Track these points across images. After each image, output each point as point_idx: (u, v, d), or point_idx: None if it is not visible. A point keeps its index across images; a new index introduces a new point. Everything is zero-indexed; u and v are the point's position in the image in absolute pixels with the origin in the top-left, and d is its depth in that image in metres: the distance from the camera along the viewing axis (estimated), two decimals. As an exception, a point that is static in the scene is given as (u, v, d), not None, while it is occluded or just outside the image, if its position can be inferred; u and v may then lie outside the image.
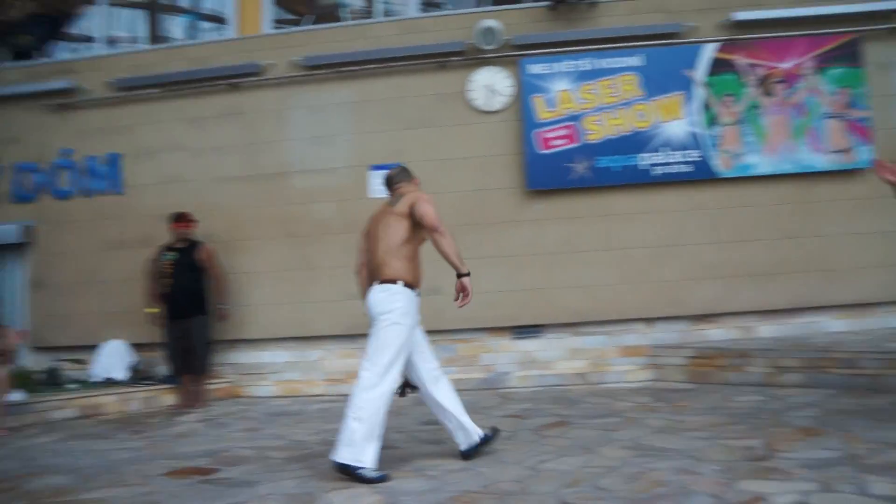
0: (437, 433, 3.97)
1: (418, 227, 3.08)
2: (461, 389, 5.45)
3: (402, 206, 3.11)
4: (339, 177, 5.96)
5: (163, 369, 5.71)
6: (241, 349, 5.92)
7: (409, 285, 3.09)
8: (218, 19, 6.76)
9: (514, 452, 3.32)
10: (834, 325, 5.75)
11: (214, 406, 5.44)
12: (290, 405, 5.30)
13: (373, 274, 3.10)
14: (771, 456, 2.94)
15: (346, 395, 5.48)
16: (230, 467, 3.38)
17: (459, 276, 3.09)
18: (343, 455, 2.89)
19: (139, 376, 5.68)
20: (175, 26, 7.04)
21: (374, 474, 2.92)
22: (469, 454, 3.27)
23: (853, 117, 5.67)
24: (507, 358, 5.78)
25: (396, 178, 3.36)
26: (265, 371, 5.90)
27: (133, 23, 6.94)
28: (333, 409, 5.06)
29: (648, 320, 5.76)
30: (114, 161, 6.19)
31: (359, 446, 2.86)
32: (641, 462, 2.99)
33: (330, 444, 3.85)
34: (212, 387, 5.66)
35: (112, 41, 6.82)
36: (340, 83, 6.04)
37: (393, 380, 3.01)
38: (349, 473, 2.91)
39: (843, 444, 3.03)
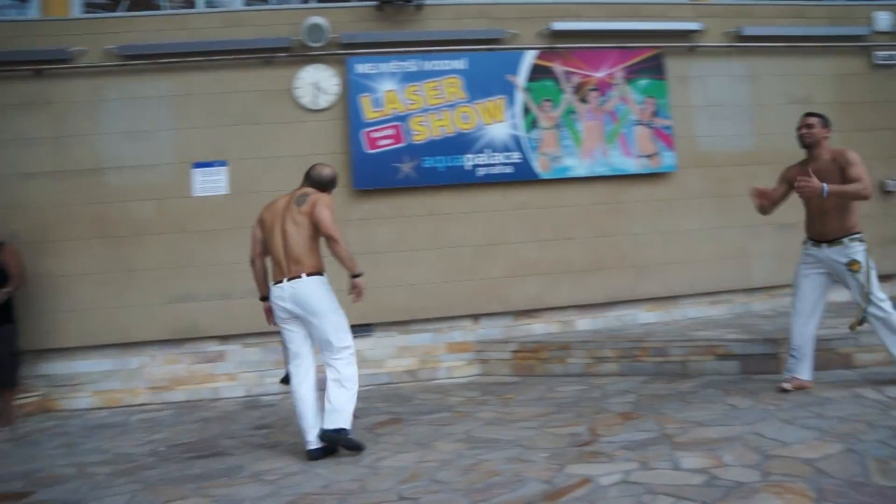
0: (271, 436, 4.25)
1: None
2: (291, 392, 5.99)
3: (307, 206, 3.57)
4: (158, 174, 6.15)
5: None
6: (53, 359, 5.94)
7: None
8: (18, -3, 6.73)
9: (350, 452, 3.56)
10: (645, 316, 6.68)
11: (23, 423, 5.35)
12: (109, 417, 5.36)
13: (290, 268, 3.55)
14: (594, 440, 3.35)
15: (170, 403, 5.91)
16: (48, 488, 3.35)
17: (353, 276, 3.62)
18: (335, 421, 3.45)
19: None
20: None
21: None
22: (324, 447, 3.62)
23: (658, 125, 6.68)
24: None
25: (311, 176, 3.87)
26: (81, 381, 5.94)
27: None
28: (158, 419, 5.20)
29: (474, 317, 6.44)
30: None
31: (347, 413, 3.48)
32: (475, 454, 3.30)
33: (158, 454, 4.01)
34: (20, 402, 5.65)
35: None
36: (160, 75, 6.18)
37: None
38: (340, 440, 3.47)
39: (658, 426, 3.49)
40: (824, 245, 3.98)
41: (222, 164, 6.06)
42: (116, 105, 6.10)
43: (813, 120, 4.01)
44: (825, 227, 3.98)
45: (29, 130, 6.01)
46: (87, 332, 5.90)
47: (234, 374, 5.99)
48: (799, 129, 4.06)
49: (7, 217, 5.81)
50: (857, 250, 3.82)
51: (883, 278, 6.83)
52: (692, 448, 3.03)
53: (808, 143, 4.01)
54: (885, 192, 7.07)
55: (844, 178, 3.88)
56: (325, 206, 3.55)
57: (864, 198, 3.76)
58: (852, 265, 3.81)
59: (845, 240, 3.85)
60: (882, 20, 7.01)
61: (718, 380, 4.59)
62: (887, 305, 3.80)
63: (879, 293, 3.83)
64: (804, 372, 3.99)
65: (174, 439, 4.32)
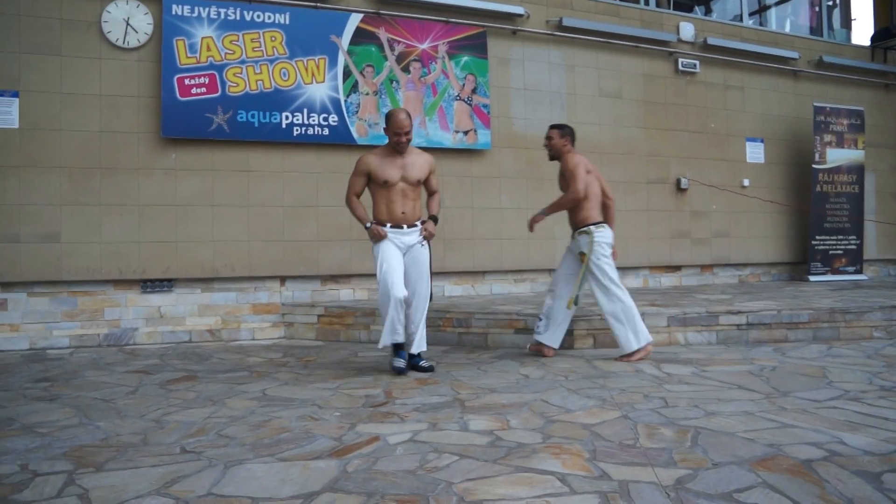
0: (52, 389, 4.59)
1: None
2: (83, 347, 7.06)
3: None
4: None
5: None
6: None
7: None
8: None
9: (136, 407, 4.03)
10: (451, 289, 8.56)
11: None
12: None
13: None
14: (388, 402, 3.98)
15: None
16: None
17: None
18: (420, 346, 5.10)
19: None
20: None
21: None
22: None
23: (477, 103, 8.61)
24: (134, 313, 7.25)
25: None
26: None
27: None
28: None
29: (281, 278, 7.92)
30: None
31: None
32: (267, 411, 3.82)
33: None
34: None
35: None
36: None
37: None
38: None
39: (452, 391, 4.22)
40: (574, 234, 5.47)
41: (14, 94, 7.01)
42: None
43: (552, 132, 5.42)
44: (571, 220, 5.47)
45: None
46: None
47: (16, 325, 6.86)
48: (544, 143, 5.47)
49: None
50: (582, 243, 5.31)
51: (673, 269, 9.38)
52: (482, 412, 3.68)
53: (552, 156, 5.49)
54: (680, 189, 9.54)
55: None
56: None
57: (574, 201, 5.27)
58: (581, 256, 5.33)
59: (575, 233, 5.39)
60: (686, 30, 9.47)
61: (515, 352, 5.70)
62: (623, 295, 5.17)
63: (614, 284, 5.23)
64: (549, 339, 5.41)
65: None
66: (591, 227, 5.31)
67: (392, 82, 7.85)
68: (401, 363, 4.97)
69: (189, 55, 7.21)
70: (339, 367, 5.35)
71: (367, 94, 7.76)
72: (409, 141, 4.92)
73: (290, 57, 7.50)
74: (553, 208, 5.41)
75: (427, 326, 6.46)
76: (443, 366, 5.27)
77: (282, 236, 7.58)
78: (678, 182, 9.22)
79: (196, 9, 7.27)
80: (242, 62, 7.36)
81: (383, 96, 7.81)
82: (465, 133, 8.11)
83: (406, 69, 7.90)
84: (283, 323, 7.63)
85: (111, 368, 5.51)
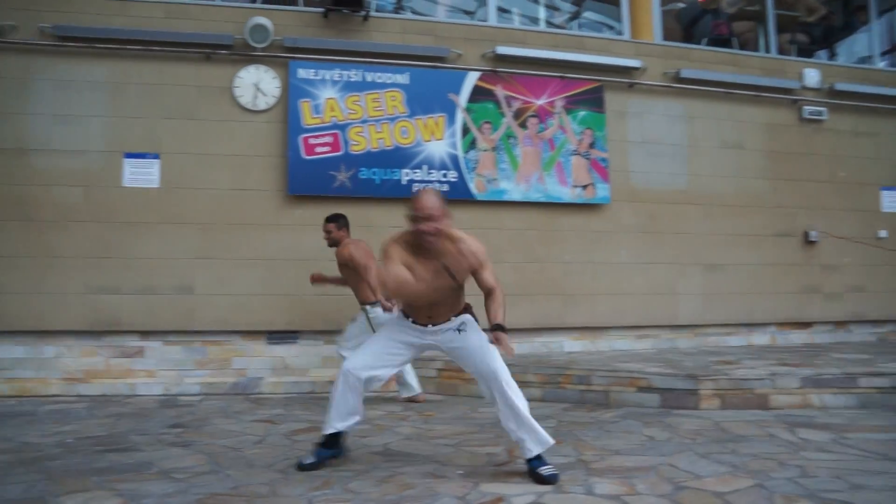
0: (184, 436, 4.69)
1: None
2: (212, 394, 7.14)
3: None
4: (87, 160, 7.29)
5: None
6: None
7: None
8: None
9: (263, 457, 4.10)
10: (571, 345, 8.28)
11: None
12: (17, 406, 6.10)
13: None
14: (511, 461, 3.90)
15: (84, 396, 6.93)
16: None
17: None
18: None
19: None
20: None
21: None
22: None
23: (594, 157, 8.43)
24: (260, 363, 7.40)
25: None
26: None
27: None
28: (70, 411, 6.03)
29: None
30: None
31: None
32: (390, 466, 3.80)
33: (65, 446, 4.58)
34: None
35: None
36: (95, 59, 7.33)
37: None
38: None
39: (575, 451, 4.09)
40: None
41: (155, 156, 7.37)
42: (47, 85, 7.27)
43: (329, 226, 6.21)
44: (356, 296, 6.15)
45: (-49, 104, 7.13)
46: (0, 316, 6.94)
47: (152, 371, 7.14)
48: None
49: (-79, 192, 6.92)
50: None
51: (803, 325, 8.79)
52: (607, 475, 3.58)
53: (332, 245, 6.24)
54: (808, 241, 8.99)
55: None
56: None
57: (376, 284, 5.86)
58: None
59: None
60: (810, 77, 9.01)
61: (638, 411, 5.41)
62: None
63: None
64: (410, 390, 6.00)
65: (84, 432, 4.88)
66: (368, 307, 6.02)
67: (509, 138, 7.81)
68: (311, 460, 3.93)
69: (314, 115, 7.39)
70: (459, 423, 5.27)
71: (486, 150, 7.74)
72: (436, 233, 3.73)
73: (409, 115, 7.58)
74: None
75: (546, 383, 6.36)
76: (564, 424, 5.09)
77: (401, 290, 7.49)
78: (806, 234, 8.70)
79: (320, 72, 7.47)
80: (364, 121, 7.48)
81: (501, 152, 7.78)
82: (584, 187, 7.94)
83: (523, 125, 7.84)
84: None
85: (238, 417, 5.59)
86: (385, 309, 5.73)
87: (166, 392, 6.82)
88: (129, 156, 7.24)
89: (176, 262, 7.15)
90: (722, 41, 8.86)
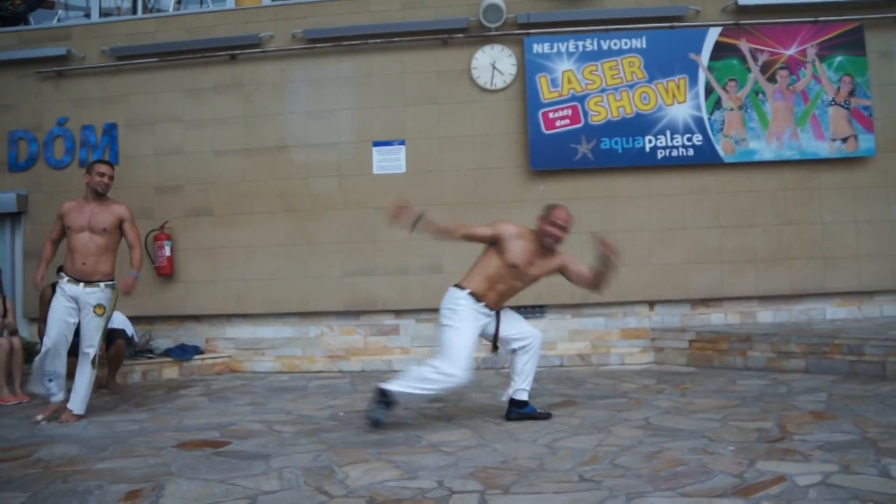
0: (446, 410, 4.82)
1: None
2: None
3: None
4: (340, 152, 7.58)
5: (161, 343, 7.47)
6: (240, 324, 7.44)
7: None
8: (215, -10, 8.46)
9: (526, 431, 4.07)
10: (834, 312, 7.37)
11: (214, 380, 6.86)
12: (290, 381, 6.49)
13: None
14: (786, 437, 3.56)
15: (346, 372, 7.22)
16: (242, 440, 4.04)
17: None
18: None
19: (136, 349, 7.38)
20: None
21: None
22: None
23: (855, 105, 7.41)
24: None
25: None
26: (264, 346, 7.43)
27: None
28: (336, 386, 6.38)
29: (650, 303, 7.37)
30: (109, 130, 7.87)
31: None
32: (656, 441, 3.62)
33: (338, 419, 4.85)
34: (210, 362, 7.34)
35: (103, 9, 8.54)
36: (341, 57, 7.64)
37: None
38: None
39: (857, 428, 3.65)
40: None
41: (401, 143, 7.41)
42: (301, 86, 7.59)
43: (110, 169, 5.13)
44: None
45: (223, 110, 7.61)
46: (270, 300, 7.37)
47: (407, 348, 7.28)
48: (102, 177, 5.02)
49: (202, 190, 7.43)
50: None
51: None
52: None
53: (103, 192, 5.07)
54: None
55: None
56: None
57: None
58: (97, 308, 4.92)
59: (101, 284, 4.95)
60: None
61: None
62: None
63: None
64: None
65: (352, 406, 5.08)
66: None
67: (758, 94, 7.09)
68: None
69: (551, 90, 7.09)
70: (719, 396, 4.95)
71: (732, 109, 7.07)
72: (559, 241, 4.56)
73: (649, 80, 7.11)
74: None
75: (809, 353, 5.93)
76: (837, 398, 4.64)
77: (649, 260, 7.11)
78: None
79: (555, 45, 7.17)
80: (603, 91, 7.10)
81: (749, 110, 7.10)
82: (844, 140, 7.04)
83: (772, 79, 7.07)
84: (653, 348, 7.17)
85: (493, 391, 5.53)
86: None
87: None
88: (377, 144, 7.34)
89: (424, 243, 7.09)
90: None
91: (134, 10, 8.29)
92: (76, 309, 4.98)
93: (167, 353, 7.08)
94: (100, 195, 5.12)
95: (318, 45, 7.46)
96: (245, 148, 7.48)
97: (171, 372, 7.00)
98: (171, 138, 7.56)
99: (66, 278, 4.86)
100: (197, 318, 7.38)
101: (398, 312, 7.23)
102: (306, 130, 7.47)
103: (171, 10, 8.28)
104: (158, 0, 8.48)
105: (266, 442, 4.03)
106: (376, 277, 7.20)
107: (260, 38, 7.48)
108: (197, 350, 7.18)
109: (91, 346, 4.95)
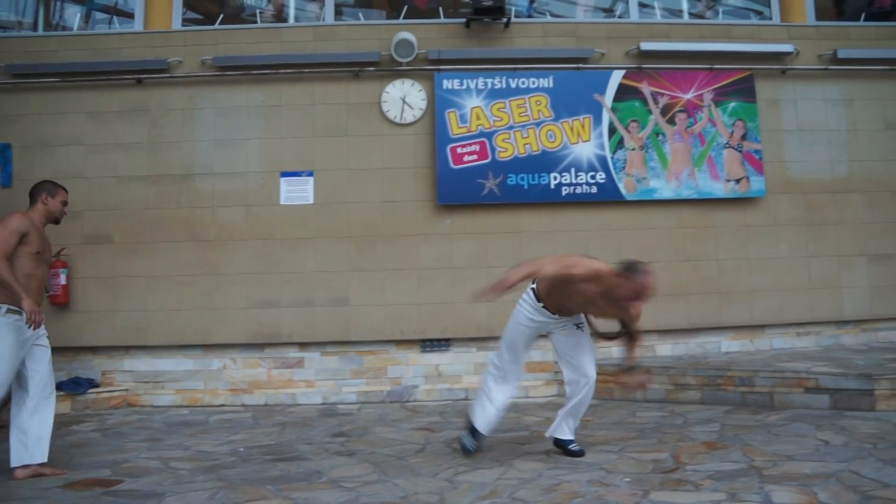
0: (348, 444, 4.74)
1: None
2: (368, 402, 7.07)
3: None
4: (247, 181, 7.35)
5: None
6: (139, 356, 7.10)
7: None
8: (123, 12, 8.17)
9: (427, 465, 4.06)
10: (728, 345, 7.58)
11: (110, 415, 6.48)
12: (190, 415, 6.23)
13: None
14: (679, 468, 3.70)
15: (249, 406, 6.99)
16: (135, 478, 3.91)
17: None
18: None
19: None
20: (73, 14, 8.41)
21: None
22: None
23: (747, 149, 7.67)
24: (414, 371, 7.22)
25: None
26: (164, 379, 7.10)
27: (23, 6, 8.27)
28: (238, 420, 6.15)
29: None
30: (3, 151, 7.31)
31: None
32: (555, 474, 3.71)
33: (238, 455, 4.69)
34: (106, 395, 6.97)
35: (1, 23, 8.13)
36: (251, 86, 7.45)
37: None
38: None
39: (745, 457, 3.84)
40: None
41: (309, 174, 7.28)
42: (209, 114, 7.38)
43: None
44: None
45: (127, 136, 7.34)
46: (172, 331, 7.11)
47: (312, 381, 7.11)
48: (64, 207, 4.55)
49: (103, 217, 7.13)
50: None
51: None
52: (783, 482, 3.32)
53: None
54: None
55: None
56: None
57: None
58: None
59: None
60: None
61: (807, 414, 5.02)
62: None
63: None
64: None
65: (253, 441, 4.96)
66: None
67: (658, 135, 7.25)
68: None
69: (460, 125, 7.11)
70: (619, 428, 5.06)
71: (634, 149, 7.22)
72: (630, 304, 4.20)
73: (555, 119, 7.20)
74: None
75: (705, 385, 6.04)
76: (729, 428, 4.78)
77: (552, 295, 7.04)
78: (983, 221, 7.59)
79: (465, 82, 7.22)
80: (510, 128, 7.15)
81: (650, 150, 7.25)
82: (737, 181, 7.27)
83: (671, 121, 7.25)
84: (557, 381, 7.15)
85: (397, 425, 5.51)
86: None
87: (325, 401, 6.84)
88: (285, 175, 7.21)
89: (331, 274, 7.04)
90: (883, 14, 7.88)
91: (35, 27, 7.85)
92: None
93: (59, 386, 6.67)
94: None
95: (228, 72, 7.28)
96: (149, 174, 7.20)
97: (63, 406, 6.60)
98: (71, 162, 7.22)
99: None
100: (93, 350, 7.03)
101: (303, 345, 7.08)
102: (213, 159, 7.26)
103: (75, 28, 7.87)
104: (63, 18, 8.06)
105: (161, 480, 3.91)
106: (282, 309, 7.03)
107: (168, 63, 7.23)
108: (92, 383, 6.83)
109: None
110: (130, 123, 7.29)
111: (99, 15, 8.13)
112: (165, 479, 3.91)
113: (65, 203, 4.69)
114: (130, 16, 7.80)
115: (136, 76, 7.26)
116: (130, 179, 7.24)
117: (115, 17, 8.00)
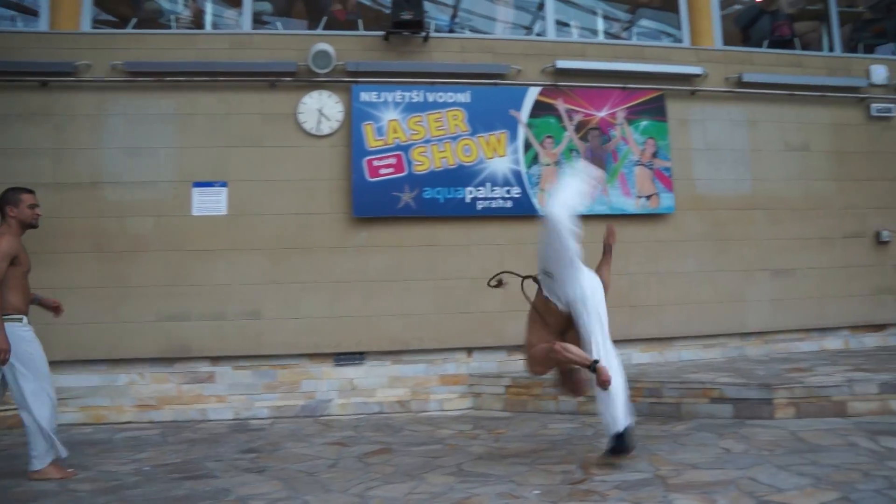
0: (258, 461, 4.68)
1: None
2: (282, 417, 6.91)
3: None
4: (158, 191, 7.10)
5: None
6: None
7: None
8: (28, 10, 7.81)
9: (338, 481, 4.04)
10: (639, 357, 7.74)
11: (5, 435, 6.12)
12: (94, 433, 6.01)
13: None
14: (587, 479, 3.80)
15: (157, 423, 6.71)
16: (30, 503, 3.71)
17: None
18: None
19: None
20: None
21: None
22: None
23: (658, 166, 7.85)
24: (328, 385, 7.09)
25: None
26: (67, 396, 6.69)
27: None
28: (144, 438, 5.92)
29: (468, 350, 7.42)
30: None
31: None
32: (465, 488, 3.74)
33: (143, 474, 4.54)
34: (1, 415, 6.45)
35: None
36: (164, 93, 7.19)
37: None
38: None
39: (651, 467, 3.95)
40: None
41: (222, 184, 7.09)
42: (119, 120, 7.11)
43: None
44: None
45: (30, 141, 6.99)
46: (75, 345, 6.78)
47: (223, 396, 6.90)
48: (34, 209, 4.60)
49: (3, 227, 6.73)
50: None
51: (877, 328, 8.07)
52: (686, 490, 3.45)
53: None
54: (880, 242, 8.27)
55: None
56: None
57: None
58: None
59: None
60: (878, 73, 8.32)
61: (711, 423, 5.17)
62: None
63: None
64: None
65: (159, 459, 4.84)
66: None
67: (572, 151, 7.39)
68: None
69: (377, 138, 7.05)
70: (530, 440, 5.09)
71: (548, 164, 7.31)
72: None
73: (472, 133, 7.22)
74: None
75: None
76: (637, 438, 4.83)
77: (468, 308, 7.18)
78: (878, 235, 7.98)
79: (382, 94, 7.16)
80: (427, 141, 7.13)
81: (563, 166, 7.28)
82: (648, 198, 7.41)
83: (585, 138, 7.38)
84: (471, 393, 7.19)
85: (310, 440, 5.44)
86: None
87: (237, 416, 6.64)
88: (198, 185, 7.02)
89: (244, 287, 6.88)
90: (784, 42, 8.22)
91: (-72, 24, 7.42)
92: None
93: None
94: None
95: (140, 78, 7.03)
96: (54, 182, 6.89)
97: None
98: (-32, 168, 6.81)
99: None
100: (-11, 366, 6.60)
101: (214, 359, 6.88)
102: (123, 167, 7.00)
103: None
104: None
105: (58, 503, 3.76)
106: (192, 323, 6.83)
107: (76, 67, 6.94)
108: (-13, 401, 6.38)
109: None
110: (34, 128, 6.96)
111: (1, 11, 7.69)
112: (63, 502, 3.77)
113: (33, 206, 4.44)
114: (35, 13, 7.40)
115: (41, 78, 6.92)
116: (33, 187, 6.79)
117: (18, 15, 7.59)
